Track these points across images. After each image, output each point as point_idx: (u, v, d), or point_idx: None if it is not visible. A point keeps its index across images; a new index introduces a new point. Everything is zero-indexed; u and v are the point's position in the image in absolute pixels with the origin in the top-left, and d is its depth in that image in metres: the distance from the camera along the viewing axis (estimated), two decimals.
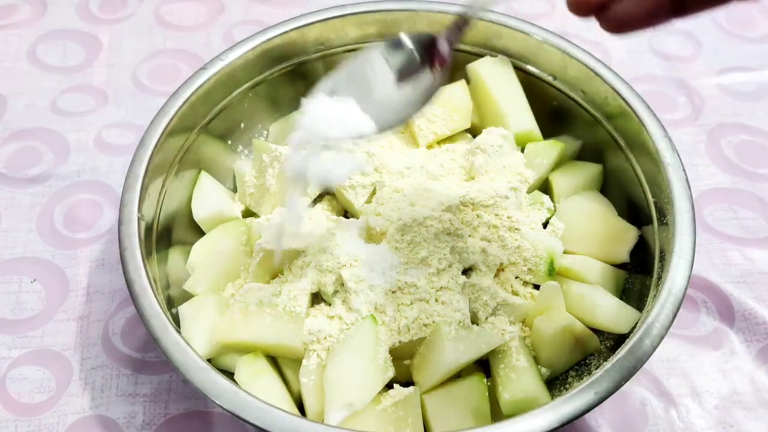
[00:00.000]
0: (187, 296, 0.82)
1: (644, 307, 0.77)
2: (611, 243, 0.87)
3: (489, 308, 0.80)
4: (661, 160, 0.82)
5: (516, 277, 0.84)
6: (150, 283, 0.74)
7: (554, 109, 0.97)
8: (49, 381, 0.83)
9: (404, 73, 0.71)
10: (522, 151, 0.94)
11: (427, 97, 0.70)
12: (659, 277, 0.78)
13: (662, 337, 0.71)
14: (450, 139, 0.95)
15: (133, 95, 1.10)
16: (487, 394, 0.75)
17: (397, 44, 0.71)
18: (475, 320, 0.80)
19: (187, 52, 1.16)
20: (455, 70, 1.00)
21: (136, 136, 1.03)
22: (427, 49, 0.71)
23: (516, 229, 0.84)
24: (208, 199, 0.91)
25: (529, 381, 0.75)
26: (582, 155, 0.96)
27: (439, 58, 0.70)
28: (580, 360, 0.82)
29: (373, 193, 0.87)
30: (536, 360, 0.79)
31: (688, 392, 0.85)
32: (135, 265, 0.75)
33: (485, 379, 0.77)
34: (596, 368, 0.75)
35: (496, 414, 0.75)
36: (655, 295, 0.75)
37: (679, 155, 0.83)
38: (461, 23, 0.70)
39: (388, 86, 0.71)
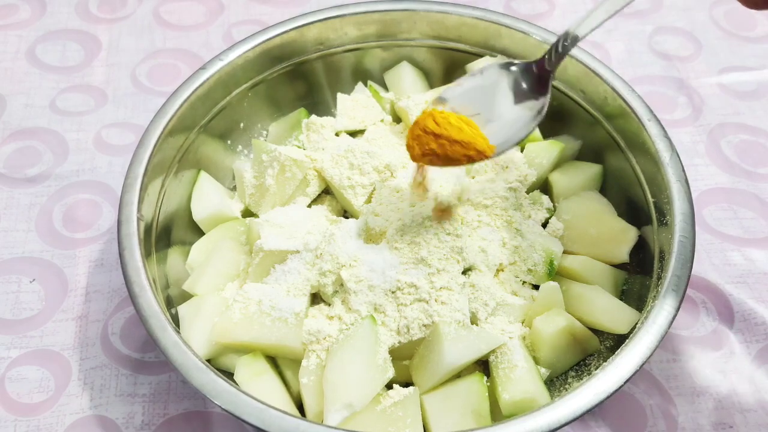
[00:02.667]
0: (186, 296, 0.82)
1: (644, 307, 0.77)
2: (611, 243, 0.87)
3: (489, 308, 0.80)
4: (661, 160, 0.82)
5: (516, 277, 0.84)
6: (149, 283, 0.74)
7: (554, 109, 0.96)
8: (48, 381, 0.83)
9: (518, 93, 0.77)
10: (522, 151, 0.94)
11: (536, 120, 0.76)
12: (659, 277, 0.78)
13: (662, 338, 0.71)
14: None
15: (133, 95, 1.10)
16: (486, 394, 0.75)
17: (507, 68, 0.77)
18: (474, 320, 0.79)
19: (186, 51, 1.16)
20: (455, 69, 1.00)
21: (135, 136, 1.03)
22: (534, 68, 0.77)
23: (516, 229, 0.84)
24: (208, 199, 0.90)
25: (528, 381, 0.75)
26: (582, 155, 0.96)
27: (544, 86, 0.76)
28: (580, 360, 0.82)
29: (373, 193, 0.87)
30: (536, 360, 0.79)
31: (687, 392, 0.85)
32: (134, 265, 0.75)
33: (485, 379, 0.77)
34: (596, 368, 0.75)
35: (496, 414, 0.75)
36: (654, 296, 0.75)
37: (678, 155, 0.83)
38: (561, 53, 0.75)
39: (507, 105, 0.77)
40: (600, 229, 0.88)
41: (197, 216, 0.89)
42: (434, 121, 0.73)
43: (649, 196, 0.85)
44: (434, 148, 0.73)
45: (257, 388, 0.73)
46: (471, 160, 0.74)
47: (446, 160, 0.74)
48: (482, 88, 0.77)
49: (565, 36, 0.74)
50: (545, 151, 0.92)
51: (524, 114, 0.76)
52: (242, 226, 0.88)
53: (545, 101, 0.76)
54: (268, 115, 1.00)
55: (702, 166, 1.05)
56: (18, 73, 1.12)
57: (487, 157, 0.74)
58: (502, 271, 0.84)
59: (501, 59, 0.95)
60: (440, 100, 0.76)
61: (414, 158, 0.75)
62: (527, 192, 0.90)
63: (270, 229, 0.83)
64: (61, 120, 1.07)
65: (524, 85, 0.77)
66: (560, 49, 0.75)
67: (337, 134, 0.95)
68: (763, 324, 0.89)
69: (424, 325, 0.76)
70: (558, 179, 0.92)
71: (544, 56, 0.76)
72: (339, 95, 0.98)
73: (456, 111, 0.75)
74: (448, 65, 1.01)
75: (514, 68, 0.77)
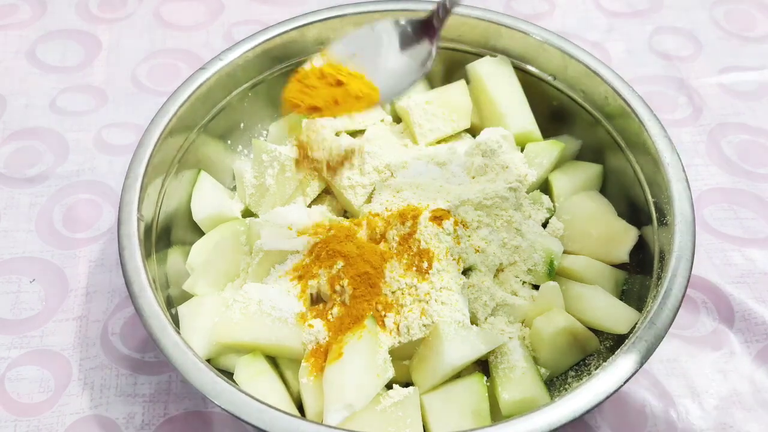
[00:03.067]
0: (186, 296, 0.82)
1: (644, 307, 0.77)
2: (611, 243, 0.87)
3: (489, 308, 0.80)
4: (661, 160, 0.82)
5: (516, 277, 0.84)
6: (149, 283, 0.74)
7: (554, 109, 0.97)
8: (49, 381, 0.83)
9: (405, 43, 0.80)
10: (522, 151, 0.94)
11: (424, 65, 0.79)
12: (659, 278, 0.78)
13: (662, 338, 0.71)
14: (450, 139, 0.95)
15: (133, 95, 1.10)
16: (486, 394, 0.75)
17: (396, 22, 0.80)
18: (474, 320, 0.79)
19: (186, 51, 1.16)
20: (455, 69, 1.00)
21: (135, 136, 1.03)
22: (422, 25, 0.80)
23: (516, 229, 0.84)
24: (208, 199, 0.90)
25: (528, 381, 0.75)
26: (582, 155, 0.96)
27: (432, 30, 0.80)
28: (580, 360, 0.82)
29: (373, 193, 0.87)
30: (536, 360, 0.79)
31: (687, 393, 0.85)
32: (134, 265, 0.75)
33: (485, 379, 0.77)
34: (596, 368, 0.75)
35: (496, 414, 0.75)
36: (654, 296, 0.75)
37: (678, 155, 0.83)
38: (447, 11, 0.79)
39: (393, 53, 0.79)
40: (600, 229, 0.88)
41: (197, 216, 0.89)
42: (317, 72, 0.75)
43: (649, 196, 0.85)
44: (319, 99, 0.74)
45: (257, 388, 0.73)
46: (360, 103, 0.75)
47: (332, 107, 0.75)
48: (369, 39, 0.80)
49: None
50: (545, 151, 0.92)
51: (410, 63, 0.79)
52: (242, 226, 0.88)
53: (432, 51, 0.79)
54: (268, 115, 1.00)
55: (702, 166, 1.05)
56: (18, 73, 1.12)
57: (374, 102, 0.76)
58: (502, 271, 0.84)
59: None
60: (325, 50, 0.78)
61: (297, 108, 0.75)
62: (527, 192, 0.90)
63: (270, 229, 0.83)
64: (62, 120, 1.07)
65: (412, 39, 0.80)
66: (447, 5, 0.78)
67: (337, 134, 0.95)
68: (763, 324, 0.89)
69: (424, 325, 0.76)
70: (558, 179, 0.92)
71: (431, 14, 0.79)
72: None
73: (340, 61, 0.77)
74: (448, 65, 1.01)
75: (402, 23, 0.80)
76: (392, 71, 0.78)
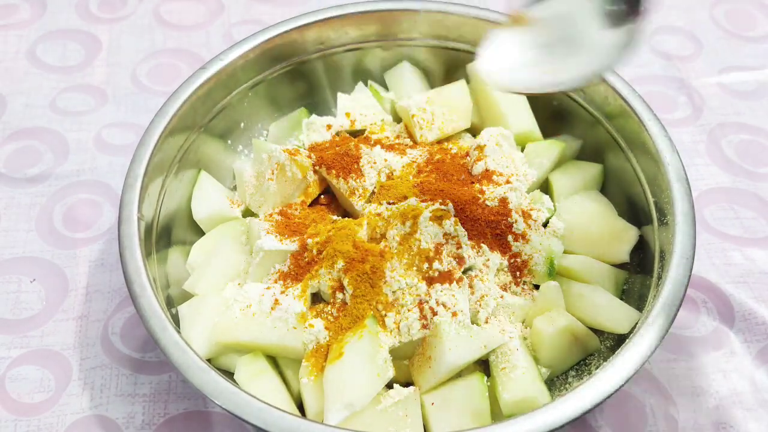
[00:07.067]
0: (186, 296, 0.82)
1: (644, 307, 0.77)
2: (611, 243, 0.87)
3: (489, 308, 0.80)
4: (661, 160, 0.82)
5: (516, 277, 0.84)
6: (149, 282, 0.74)
7: (554, 109, 0.97)
8: (49, 381, 0.83)
9: (609, 19, 0.69)
10: (522, 150, 0.94)
11: (630, 45, 0.68)
12: (659, 277, 0.78)
13: (662, 338, 0.71)
14: (450, 139, 0.95)
15: (133, 95, 1.10)
16: (487, 394, 0.75)
17: None
18: (475, 320, 0.79)
19: (186, 51, 1.16)
20: (455, 69, 1.00)
21: (136, 136, 1.03)
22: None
23: (516, 229, 0.84)
24: (208, 198, 0.90)
25: (529, 381, 0.75)
26: (582, 155, 0.96)
27: (639, 7, 0.67)
28: (580, 360, 0.82)
29: (373, 193, 0.87)
30: (536, 360, 0.79)
31: (687, 392, 0.85)
32: (134, 264, 0.75)
33: (485, 379, 0.77)
34: (596, 368, 0.75)
35: (496, 414, 0.75)
36: (655, 295, 0.75)
37: (679, 155, 0.83)
38: None
39: (593, 30, 0.69)
40: (600, 229, 0.88)
41: (198, 216, 0.89)
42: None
43: (649, 195, 0.85)
44: None
45: (257, 388, 0.73)
46: None
47: None
48: (567, 13, 0.70)
49: None
50: (546, 150, 0.92)
51: (615, 39, 0.69)
52: (243, 226, 0.88)
53: (640, 23, 0.67)
54: (268, 115, 1.00)
55: (702, 165, 1.05)
56: (18, 73, 1.12)
57: None
58: (503, 270, 0.84)
59: None
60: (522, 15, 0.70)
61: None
62: (527, 192, 0.90)
63: (270, 228, 0.82)
64: (62, 120, 1.07)
65: (614, 8, 0.69)
66: None
67: (337, 134, 0.95)
68: (763, 324, 0.89)
69: (425, 325, 0.76)
70: (558, 179, 0.92)
71: None
72: (339, 95, 0.98)
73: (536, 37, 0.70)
74: (449, 65, 1.01)
75: None
76: (595, 52, 0.69)
